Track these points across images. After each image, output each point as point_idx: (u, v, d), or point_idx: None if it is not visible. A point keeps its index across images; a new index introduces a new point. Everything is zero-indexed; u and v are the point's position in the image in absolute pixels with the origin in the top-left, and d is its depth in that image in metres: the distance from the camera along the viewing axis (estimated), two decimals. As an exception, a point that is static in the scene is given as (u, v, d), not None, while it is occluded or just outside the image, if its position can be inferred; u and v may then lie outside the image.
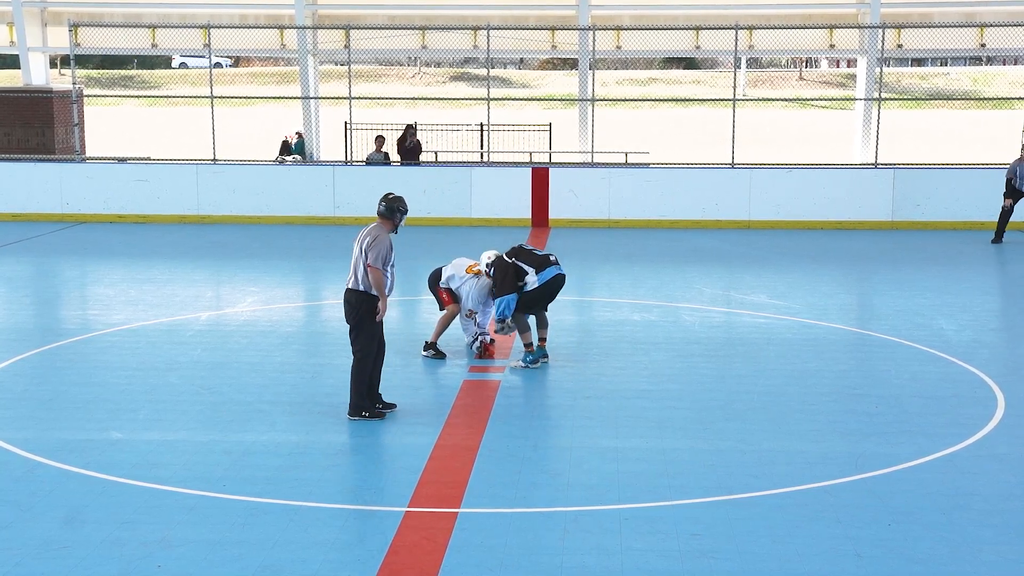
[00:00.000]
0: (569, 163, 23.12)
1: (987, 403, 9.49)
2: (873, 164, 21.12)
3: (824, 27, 23.14)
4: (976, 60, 59.30)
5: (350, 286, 9.01)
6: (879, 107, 21.22)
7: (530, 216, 20.41)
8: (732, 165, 21.19)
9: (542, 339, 11.07)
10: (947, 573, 6.32)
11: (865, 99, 22.80)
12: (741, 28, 21.76)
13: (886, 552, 6.57)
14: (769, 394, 9.95)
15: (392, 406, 9.24)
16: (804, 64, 66.90)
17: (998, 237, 18.93)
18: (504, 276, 10.83)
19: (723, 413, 9.41)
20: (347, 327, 9.14)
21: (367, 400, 9.08)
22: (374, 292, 8.89)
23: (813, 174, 21.30)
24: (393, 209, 9.07)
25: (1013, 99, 24.73)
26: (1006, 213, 18.90)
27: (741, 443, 8.57)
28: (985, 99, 48.54)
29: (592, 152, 21.99)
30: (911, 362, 11.03)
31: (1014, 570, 6.37)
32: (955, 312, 13.31)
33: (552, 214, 20.44)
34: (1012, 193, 18.90)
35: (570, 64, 41.34)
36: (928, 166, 22.55)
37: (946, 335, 12.07)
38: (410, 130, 22.70)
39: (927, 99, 51.47)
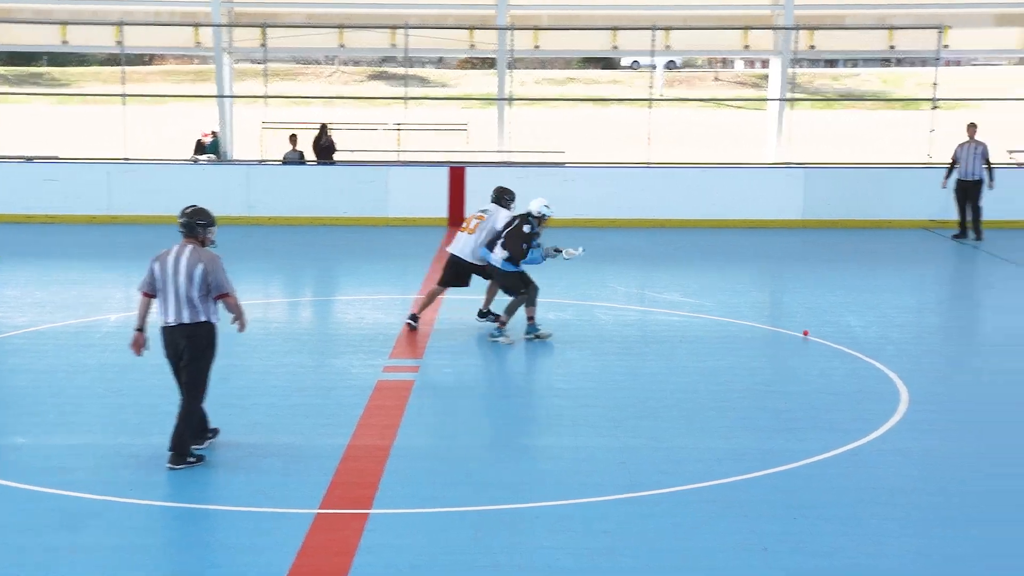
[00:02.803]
0: (486, 162, 23.12)
1: (891, 398, 9.69)
2: (785, 163, 21.43)
3: (739, 28, 23.40)
4: (886, 62, 60.44)
5: (186, 320, 7.87)
6: (791, 107, 21.54)
7: (447, 216, 20.38)
8: (648, 164, 21.37)
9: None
10: (850, 565, 6.45)
11: (778, 99, 23.11)
12: (658, 28, 21.96)
13: (791, 546, 6.68)
14: (682, 392, 10.05)
15: (216, 431, 8.44)
16: (720, 64, 67.67)
17: (963, 231, 19.22)
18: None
19: (636, 411, 9.49)
20: (184, 359, 7.93)
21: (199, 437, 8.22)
22: (214, 320, 7.99)
23: (727, 173, 21.56)
24: (192, 225, 8.03)
25: (921, 100, 25.27)
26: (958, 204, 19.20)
27: (653, 440, 8.65)
28: (894, 100, 49.50)
29: (509, 151, 22.02)
30: (820, 359, 11.21)
31: (916, 561, 6.51)
32: (863, 309, 13.56)
33: (469, 213, 20.41)
34: (959, 185, 19.18)
35: (488, 63, 41.39)
36: (839, 165, 22.96)
37: (854, 332, 12.29)
38: (324, 129, 22.56)
39: (839, 99, 52.35)
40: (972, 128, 19.19)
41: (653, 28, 21.35)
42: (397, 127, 25.03)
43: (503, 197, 12.58)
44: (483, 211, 12.49)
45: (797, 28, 22.07)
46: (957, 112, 40.96)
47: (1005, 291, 15.05)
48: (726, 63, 68.56)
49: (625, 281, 15.40)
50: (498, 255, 11.87)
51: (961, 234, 19.10)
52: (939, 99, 21.69)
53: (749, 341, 12.14)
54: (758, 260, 17.49)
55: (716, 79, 64.97)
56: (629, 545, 6.68)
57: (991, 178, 18.85)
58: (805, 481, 7.75)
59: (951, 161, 19.22)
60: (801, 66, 43.73)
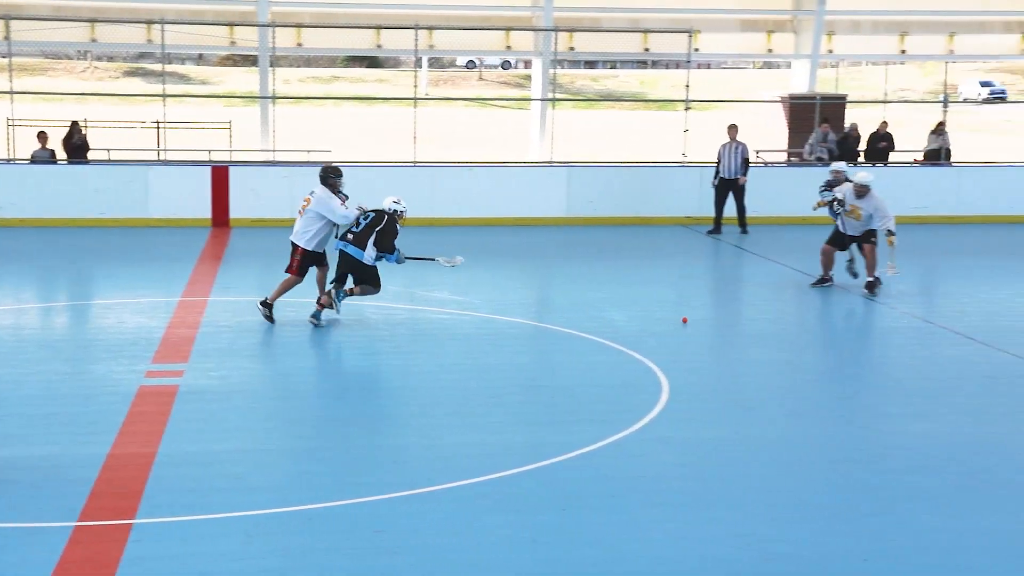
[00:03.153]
0: (250, 161, 22.69)
1: (653, 390, 10.03)
2: (548, 162, 21.88)
3: (501, 29, 23.76)
4: (642, 64, 62.52)
5: None
6: (553, 107, 22.02)
7: (211, 216, 19.88)
8: (414, 163, 21.43)
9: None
10: (617, 552, 6.64)
11: (540, 99, 23.59)
12: (421, 28, 22.03)
13: (560, 536, 6.83)
14: (452, 388, 10.12)
15: None
16: (484, 64, 68.41)
17: (717, 227, 20.06)
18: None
19: (407, 409, 9.51)
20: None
21: None
22: None
23: (493, 172, 21.86)
24: None
25: (675, 101, 26.28)
26: (716, 200, 20.04)
27: (424, 438, 8.69)
28: (650, 100, 51.26)
29: (274, 150, 21.68)
30: (585, 352, 11.50)
31: (678, 545, 6.76)
32: (625, 304, 13.98)
33: (233, 213, 19.98)
34: (721, 183, 20.02)
35: (251, 60, 40.60)
36: (600, 164, 23.61)
37: (617, 325, 12.67)
38: (76, 127, 21.65)
39: (599, 100, 53.84)
40: (733, 129, 20.13)
41: (416, 27, 21.41)
42: (157, 125, 24.25)
43: (328, 177, 12.61)
44: (311, 193, 12.56)
45: (556, 30, 22.55)
46: (709, 113, 42.76)
47: (756, 284, 15.78)
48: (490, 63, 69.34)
49: (393, 280, 15.35)
50: (370, 253, 12.18)
51: (715, 230, 19.99)
52: (691, 100, 22.58)
53: (517, 337, 12.34)
54: (524, 257, 17.79)
55: (480, 79, 65.69)
56: (404, 543, 6.69)
57: (743, 174, 19.82)
58: (573, 473, 7.94)
59: (717, 160, 20.11)
60: (562, 67, 44.72)
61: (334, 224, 12.54)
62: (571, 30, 23.38)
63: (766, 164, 23.93)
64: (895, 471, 8.13)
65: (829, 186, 15.03)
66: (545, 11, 23.01)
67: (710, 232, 19.98)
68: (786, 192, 21.18)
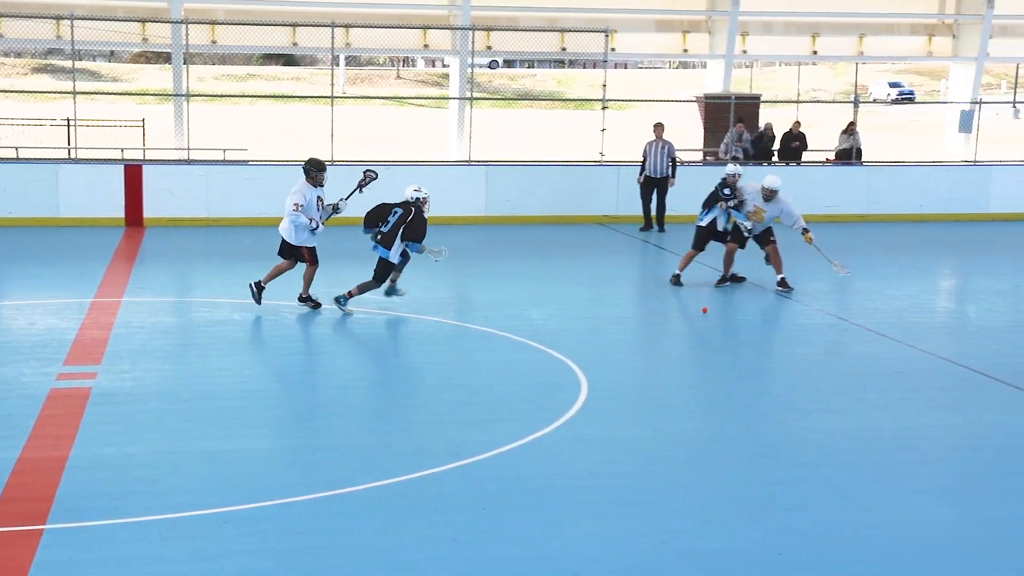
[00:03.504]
0: (164, 160, 22.36)
1: (572, 388, 10.07)
2: (467, 161, 21.86)
3: (418, 27, 23.70)
4: (560, 63, 62.75)
5: None
6: (472, 106, 22.02)
7: (123, 215, 19.55)
8: (332, 162, 21.26)
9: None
10: (537, 550, 6.66)
11: (458, 98, 23.57)
12: (337, 26, 21.88)
13: (481, 535, 6.83)
14: (371, 388, 10.09)
15: None
16: (402, 63, 68.27)
17: (648, 224, 20.29)
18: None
19: (326, 410, 9.44)
20: None
21: None
22: None
23: (411, 170, 21.76)
24: None
25: (592, 100, 26.45)
26: (643, 198, 20.24)
27: (344, 439, 8.63)
28: (568, 100, 51.48)
29: (188, 149, 21.38)
30: (505, 352, 11.52)
31: (596, 543, 6.79)
32: (545, 302, 14.02)
33: (147, 213, 19.67)
34: (647, 181, 20.22)
35: (164, 58, 39.99)
36: (518, 163, 23.66)
37: (536, 324, 12.70)
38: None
39: (517, 99, 53.93)
40: (659, 128, 20.39)
41: (332, 25, 21.26)
42: (67, 123, 23.78)
43: (309, 170, 13.07)
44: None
45: (473, 29, 22.55)
46: (626, 112, 43.07)
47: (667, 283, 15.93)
48: (408, 62, 69.24)
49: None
50: (396, 251, 12.73)
51: (646, 227, 20.25)
52: (608, 100, 22.71)
53: (436, 336, 12.31)
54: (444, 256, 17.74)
55: (398, 77, 65.49)
56: (324, 544, 6.64)
57: (673, 175, 20.10)
58: (493, 471, 7.94)
59: (642, 158, 20.33)
60: (480, 66, 44.71)
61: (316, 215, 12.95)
62: (488, 29, 23.40)
63: (682, 163, 24.15)
64: (809, 466, 8.26)
65: (724, 184, 15.00)
66: (463, 10, 23.00)
67: (642, 229, 20.25)
68: (703, 191, 21.24)
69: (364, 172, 13.55)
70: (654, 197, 20.35)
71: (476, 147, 21.93)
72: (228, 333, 11.95)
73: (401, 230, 12.77)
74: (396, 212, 12.87)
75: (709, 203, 15.03)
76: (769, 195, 14.55)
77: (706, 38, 25.65)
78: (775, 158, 24.44)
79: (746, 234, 14.80)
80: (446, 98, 30.29)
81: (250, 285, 13.01)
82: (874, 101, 54.86)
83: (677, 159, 20.47)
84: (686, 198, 20.92)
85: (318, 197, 13.08)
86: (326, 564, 6.39)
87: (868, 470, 8.17)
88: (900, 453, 8.59)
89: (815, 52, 26.77)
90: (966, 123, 25.15)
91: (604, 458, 8.35)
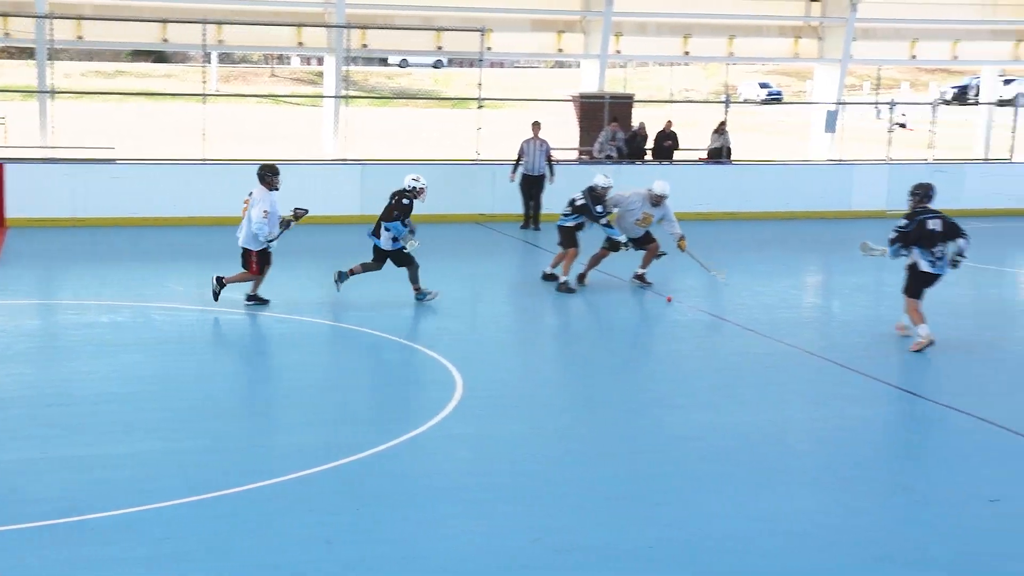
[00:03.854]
0: (28, 159, 21.68)
1: (447, 386, 10.07)
2: (342, 160, 21.69)
3: (292, 24, 23.41)
4: (437, 62, 62.66)
5: None
6: (347, 104, 21.86)
7: (-15, 215, 18.92)
8: (204, 161, 20.92)
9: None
10: (413, 549, 6.65)
11: (334, 96, 23.36)
12: (209, 22, 21.51)
13: (356, 535, 6.80)
14: (245, 390, 9.97)
15: None
16: (276, 60, 67.45)
17: (527, 223, 20.44)
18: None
19: (198, 413, 9.27)
20: None
21: None
22: None
23: (285, 169, 21.42)
24: None
25: (469, 99, 26.46)
26: (523, 197, 20.43)
27: (217, 441, 8.51)
28: (444, 99, 51.45)
29: (53, 147, 20.79)
30: (380, 351, 11.48)
31: (472, 540, 6.81)
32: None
33: (9, 213, 19.06)
34: (524, 179, 20.31)
35: (28, 53, 38.78)
36: (394, 162, 23.55)
37: (411, 324, 12.69)
38: None
39: (393, 97, 53.70)
40: (536, 126, 20.52)
41: (204, 22, 20.90)
42: (-77, 120, 22.94)
43: (265, 175, 13.18)
44: (249, 194, 13.09)
45: (349, 27, 22.38)
46: (503, 111, 43.23)
47: (549, 282, 16.03)
48: (282, 59, 68.45)
49: (184, 280, 14.98)
50: (385, 237, 13.30)
51: (526, 225, 20.39)
52: (484, 99, 22.77)
53: (311, 337, 12.20)
54: (318, 257, 17.58)
55: (273, 75, 64.69)
56: (194, 549, 6.53)
57: (552, 174, 20.27)
58: (369, 471, 7.91)
59: (517, 157, 20.40)
60: (356, 64, 44.43)
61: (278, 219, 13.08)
62: (364, 27, 23.24)
63: (557, 162, 24.32)
64: (682, 460, 8.41)
65: (596, 199, 14.73)
66: (337, 8, 22.80)
67: (523, 227, 20.40)
68: (577, 189, 21.58)
69: (293, 210, 13.42)
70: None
71: (351, 146, 21.77)
72: (96, 336, 11.67)
73: (382, 214, 13.39)
74: (388, 202, 13.44)
75: (578, 212, 14.81)
76: (658, 200, 14.73)
77: (581, 38, 25.87)
78: (648, 157, 24.78)
79: (624, 248, 14.85)
80: (321, 96, 29.99)
81: (214, 284, 12.96)
82: (744, 101, 56.00)
83: (553, 158, 20.65)
84: (560, 196, 21.11)
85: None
86: (198, 569, 6.29)
87: (739, 463, 8.35)
88: (769, 446, 8.80)
89: (687, 53, 27.20)
90: (831, 123, 25.83)
91: (479, 456, 8.38)
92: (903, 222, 12.12)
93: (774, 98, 57.28)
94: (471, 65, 51.87)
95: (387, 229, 13.41)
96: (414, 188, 13.51)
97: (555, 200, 20.75)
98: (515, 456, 8.39)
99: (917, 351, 11.75)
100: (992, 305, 15.27)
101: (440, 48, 24.81)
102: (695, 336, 12.84)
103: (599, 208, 14.61)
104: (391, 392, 9.97)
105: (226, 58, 61.86)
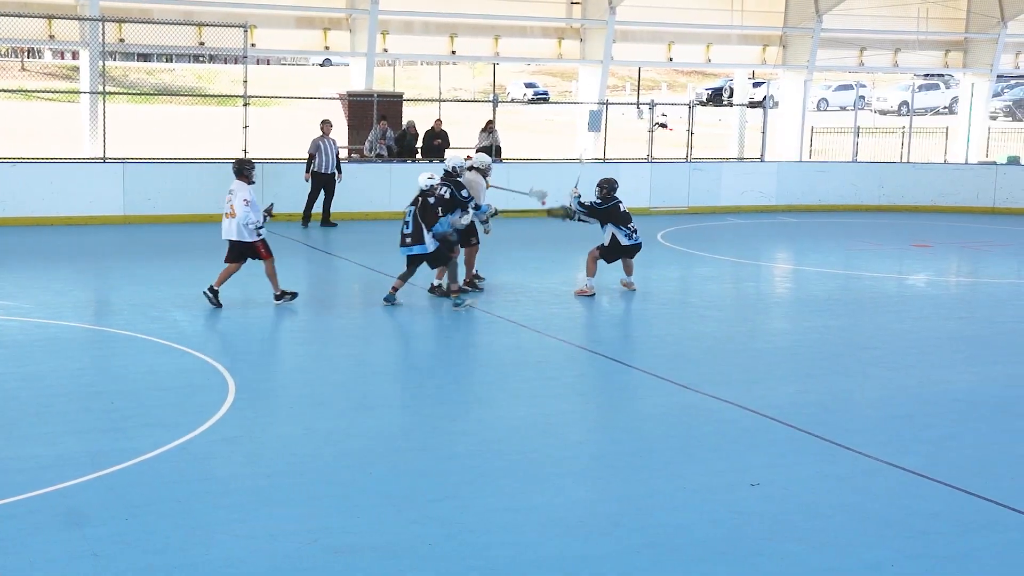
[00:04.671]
0: None
1: (219, 389, 9.84)
2: (102, 158, 20.88)
3: (43, 16, 22.36)
4: (199, 58, 61.08)
5: None
6: (104, 100, 21.05)
7: None
8: (-51, 159, 19.77)
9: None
10: (182, 558, 6.44)
11: (90, 92, 22.44)
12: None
13: (124, 547, 6.55)
14: (0, 399, 9.45)
15: None
16: (27, 54, 64.32)
17: (307, 221, 20.31)
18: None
19: (-53, 425, 8.75)
20: None
21: None
22: None
23: (42, 168, 20.58)
24: None
25: (234, 96, 25.89)
26: (311, 195, 20.54)
27: (-32, 455, 8.04)
28: (209, 95, 50.23)
29: None
30: (147, 355, 11.10)
31: (246, 545, 6.66)
32: (189, 304, 13.62)
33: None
34: (316, 177, 20.20)
35: None
36: (157, 160, 22.83)
37: (180, 326, 12.33)
38: None
39: (155, 94, 52.03)
40: (327, 125, 20.74)
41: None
42: None
43: (242, 169, 13.56)
44: (230, 191, 13.51)
45: (103, 20, 21.56)
46: (271, 109, 42.53)
47: (325, 282, 15.90)
48: (34, 53, 65.39)
49: (-72, 286, 14.12)
50: (428, 240, 13.50)
51: (307, 223, 20.49)
52: (250, 96, 22.35)
53: (72, 342, 11.71)
54: (78, 259, 16.91)
55: (23, 69, 61.70)
56: (-55, 571, 6.16)
57: (340, 172, 20.51)
58: (136, 479, 7.64)
59: (309, 155, 20.49)
60: (114, 59, 42.83)
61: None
62: (119, 21, 22.41)
63: (346, 160, 24.18)
64: (458, 456, 8.46)
65: (458, 185, 14.54)
66: (91, 0, 21.90)
67: (305, 226, 20.44)
68: (349, 187, 21.53)
69: (269, 205, 14.08)
70: (322, 194, 20.70)
71: (112, 144, 20.97)
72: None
73: (422, 220, 13.50)
74: (410, 211, 13.61)
75: (431, 215, 13.63)
76: (487, 171, 15.32)
77: (347, 35, 25.72)
78: (418, 156, 24.85)
79: (486, 232, 15.19)
80: (77, 92, 28.74)
81: (205, 292, 13.36)
82: (512, 101, 56.88)
83: (340, 157, 20.99)
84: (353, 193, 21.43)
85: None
86: (-49, 591, 5.94)
87: (513, 457, 8.46)
88: (542, 438, 8.95)
89: (454, 52, 27.42)
90: (595, 123, 26.53)
91: (251, 459, 8.22)
92: (599, 201, 14.90)
93: (540, 98, 58.42)
94: (236, 62, 50.96)
95: (440, 226, 13.70)
96: (431, 187, 13.69)
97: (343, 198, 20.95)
98: (288, 457, 8.26)
99: (578, 295, 14.56)
100: (749, 299, 16.01)
101: (202, 44, 24.19)
102: (468, 334, 12.95)
103: (463, 193, 14.27)
104: (159, 397, 9.65)
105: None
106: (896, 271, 16.18)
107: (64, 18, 22.44)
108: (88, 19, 21.92)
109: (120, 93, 37.44)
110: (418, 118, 26.62)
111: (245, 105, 22.07)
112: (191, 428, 8.74)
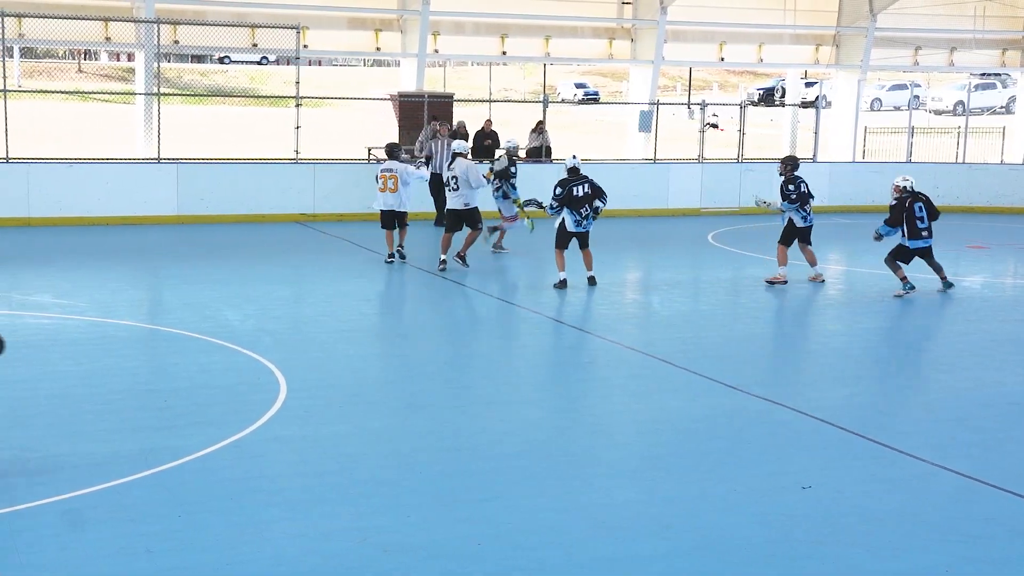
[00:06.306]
0: None
1: (270, 388, 9.93)
2: (156, 159, 21.13)
3: (99, 19, 22.65)
4: (262, 60, 61.57)
5: None
6: (159, 101, 21.29)
7: None
8: (7, 159, 20.08)
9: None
10: (236, 555, 6.52)
11: (145, 93, 22.72)
12: (8, 15, 20.62)
13: (177, 544, 6.63)
14: (56, 397, 9.59)
15: None
16: (83, 56, 65.16)
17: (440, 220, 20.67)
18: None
19: (4, 421, 8.90)
20: None
21: None
22: None
23: (97, 168, 20.85)
24: None
25: (286, 97, 26.08)
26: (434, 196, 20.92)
27: (24, 451, 8.17)
28: (262, 96, 50.64)
29: None
30: (199, 354, 11.22)
31: (297, 543, 6.72)
32: (240, 302, 13.76)
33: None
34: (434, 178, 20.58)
35: None
36: (211, 160, 23.06)
37: (232, 325, 12.44)
38: None
39: (208, 95, 52.53)
40: (443, 126, 21.17)
41: (2, 15, 20.03)
42: None
43: (393, 152, 16.75)
44: (388, 169, 16.53)
45: (159, 22, 21.81)
46: (322, 110, 42.78)
47: (371, 279, 15.98)
48: (89, 55, 66.20)
49: (-13, 284, 14.35)
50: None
51: (440, 223, 20.88)
52: (302, 97, 22.52)
53: (127, 340, 11.85)
54: (133, 258, 17.12)
55: (80, 71, 62.51)
56: (4, 564, 6.25)
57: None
58: (189, 478, 7.72)
59: (426, 158, 20.63)
60: (168, 60, 43.29)
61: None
62: (174, 23, 22.66)
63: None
64: (505, 456, 8.48)
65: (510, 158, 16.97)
66: (146, 2, 22.16)
67: (437, 224, 20.58)
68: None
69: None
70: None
71: (166, 144, 21.21)
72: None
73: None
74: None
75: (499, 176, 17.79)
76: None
77: (399, 37, 25.83)
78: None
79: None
80: (132, 93, 29.07)
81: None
82: (562, 101, 56.84)
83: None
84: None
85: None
86: (8, 585, 6.04)
87: (562, 458, 8.47)
88: (591, 439, 8.95)
89: (504, 53, 27.44)
90: (645, 123, 26.43)
91: (303, 458, 8.28)
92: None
93: (591, 98, 58.32)
94: (288, 63, 51.30)
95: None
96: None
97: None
98: (339, 457, 8.32)
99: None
100: (801, 301, 15.87)
101: (255, 46, 24.39)
102: (518, 333, 12.97)
103: (512, 168, 17.70)
104: (211, 396, 9.75)
105: (29, 52, 59.38)
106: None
107: (120, 20, 22.72)
108: (144, 21, 22.18)
109: (174, 94, 37.90)
110: (468, 118, 26.67)
111: (297, 106, 22.24)
112: (243, 427, 8.82)
